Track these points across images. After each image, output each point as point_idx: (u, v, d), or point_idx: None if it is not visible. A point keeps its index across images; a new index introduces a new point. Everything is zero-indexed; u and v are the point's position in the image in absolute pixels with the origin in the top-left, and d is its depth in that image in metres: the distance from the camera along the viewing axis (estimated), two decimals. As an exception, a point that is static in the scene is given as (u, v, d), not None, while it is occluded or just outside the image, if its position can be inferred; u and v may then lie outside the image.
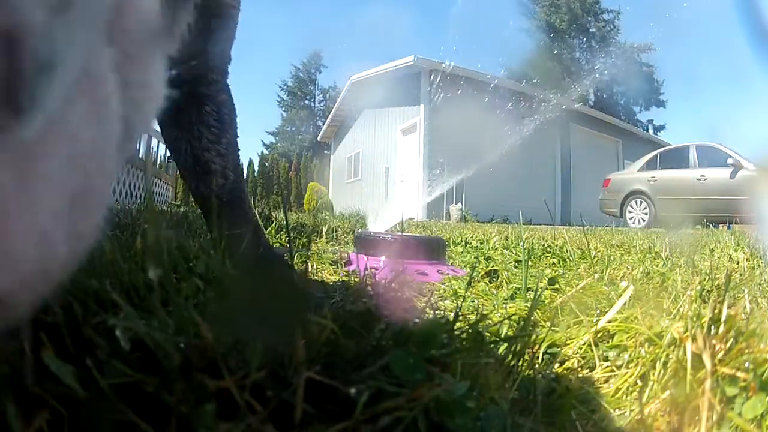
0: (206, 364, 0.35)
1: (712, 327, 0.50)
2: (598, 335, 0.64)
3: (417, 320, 0.46)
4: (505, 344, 0.56)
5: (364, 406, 0.36)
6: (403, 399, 0.36)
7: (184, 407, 0.32)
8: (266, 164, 17.86)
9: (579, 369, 0.58)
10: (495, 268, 1.24)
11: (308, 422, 0.34)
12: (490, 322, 0.66)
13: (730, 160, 7.40)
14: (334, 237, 1.94)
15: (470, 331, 0.54)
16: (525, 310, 0.74)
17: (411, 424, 0.35)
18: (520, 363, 0.55)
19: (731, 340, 0.49)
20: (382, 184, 11.51)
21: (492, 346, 0.54)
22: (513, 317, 0.71)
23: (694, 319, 0.53)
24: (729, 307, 0.52)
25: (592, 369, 0.59)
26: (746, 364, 0.47)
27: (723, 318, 0.51)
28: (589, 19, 20.64)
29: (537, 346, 0.57)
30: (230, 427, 0.32)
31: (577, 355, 0.60)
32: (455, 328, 0.56)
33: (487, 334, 0.61)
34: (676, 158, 8.41)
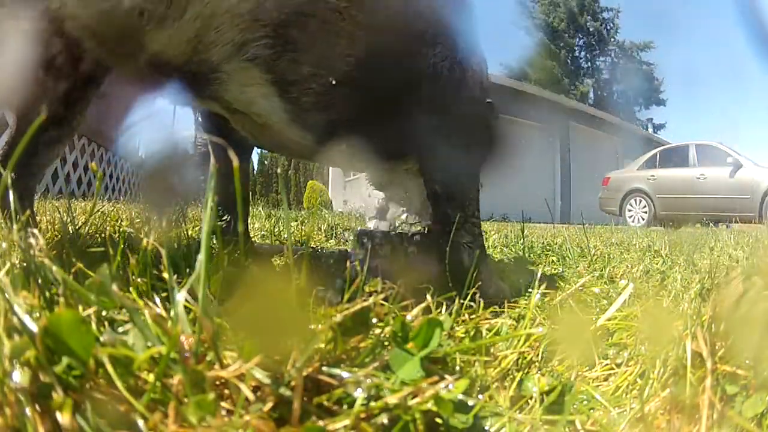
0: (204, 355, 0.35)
1: (713, 325, 0.50)
2: (598, 333, 0.63)
3: (416, 318, 0.46)
4: (505, 342, 0.56)
5: (362, 404, 0.35)
6: (403, 397, 0.36)
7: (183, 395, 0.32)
8: (265, 162, 17.89)
9: (578, 367, 0.58)
10: (494, 266, 1.24)
11: (307, 419, 0.34)
12: (489, 320, 0.66)
13: (729, 159, 7.39)
14: (333, 235, 1.94)
15: (469, 329, 0.54)
16: (524, 308, 0.74)
17: (410, 422, 0.35)
18: (520, 361, 0.55)
19: (731, 338, 0.49)
20: (382, 182, 11.47)
21: (491, 344, 0.54)
22: (512, 315, 0.71)
23: (694, 317, 0.52)
24: (729, 305, 0.51)
25: (591, 367, 0.58)
26: (746, 362, 0.46)
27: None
28: (588, 17, 20.58)
29: (536, 344, 0.57)
30: (229, 421, 0.32)
31: (577, 353, 0.60)
32: (454, 326, 0.56)
33: (487, 332, 0.61)
34: (676, 157, 8.40)
